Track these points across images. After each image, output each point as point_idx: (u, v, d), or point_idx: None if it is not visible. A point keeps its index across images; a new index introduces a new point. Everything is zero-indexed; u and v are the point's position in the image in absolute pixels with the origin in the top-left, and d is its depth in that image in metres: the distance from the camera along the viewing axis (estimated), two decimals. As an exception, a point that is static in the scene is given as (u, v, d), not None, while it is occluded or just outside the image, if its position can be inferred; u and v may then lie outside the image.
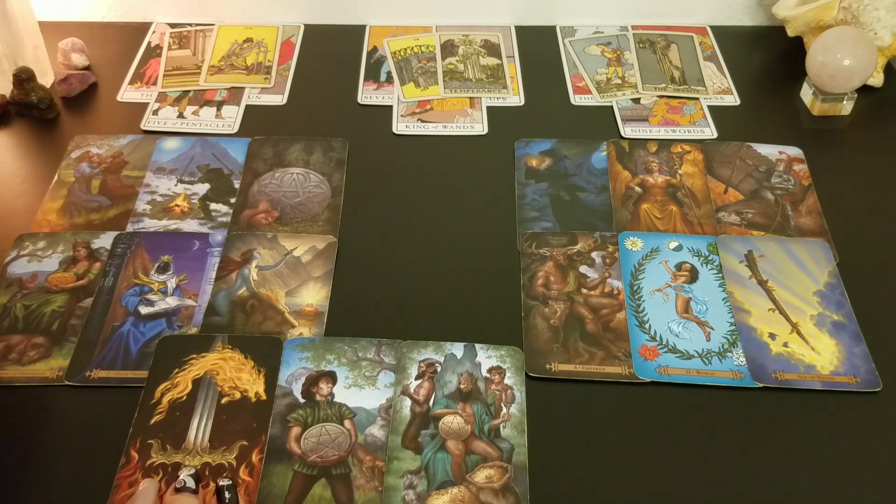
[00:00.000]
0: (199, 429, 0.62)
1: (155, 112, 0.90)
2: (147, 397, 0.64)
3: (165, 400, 0.64)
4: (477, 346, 0.67)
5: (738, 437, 0.63)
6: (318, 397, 0.64)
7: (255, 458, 0.61)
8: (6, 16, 0.86)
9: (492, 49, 0.98)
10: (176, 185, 0.82)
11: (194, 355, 0.67)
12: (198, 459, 0.60)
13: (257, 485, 0.59)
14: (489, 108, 0.91)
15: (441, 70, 0.95)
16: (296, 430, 0.62)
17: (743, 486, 0.60)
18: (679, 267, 0.74)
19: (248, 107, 0.91)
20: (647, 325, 0.69)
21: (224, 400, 0.64)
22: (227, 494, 0.57)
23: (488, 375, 0.66)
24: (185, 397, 0.64)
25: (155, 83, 0.94)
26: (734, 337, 0.69)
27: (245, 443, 0.61)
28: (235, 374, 0.66)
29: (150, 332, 0.69)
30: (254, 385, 0.65)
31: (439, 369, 0.66)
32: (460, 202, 0.81)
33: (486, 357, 0.67)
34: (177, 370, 0.66)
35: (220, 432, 0.62)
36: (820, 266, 0.74)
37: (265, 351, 0.67)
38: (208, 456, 0.61)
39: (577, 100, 0.92)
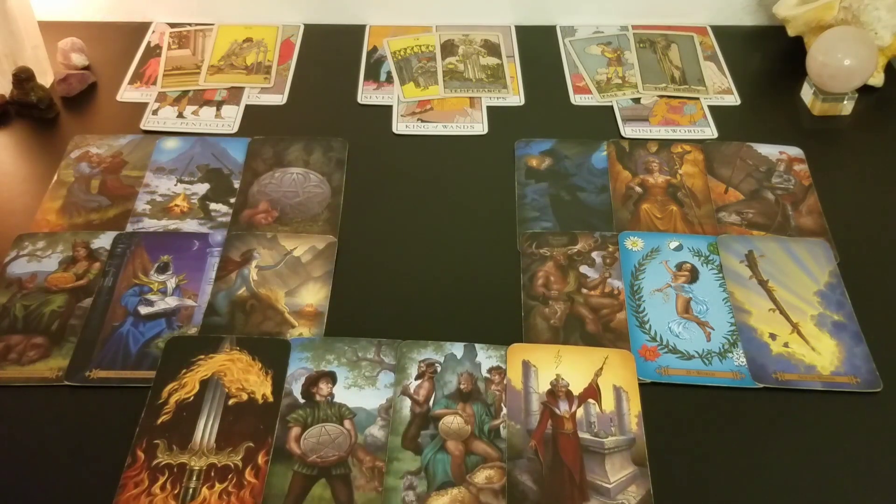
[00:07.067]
0: (205, 430, 0.62)
1: (154, 112, 0.90)
2: (154, 397, 0.64)
3: (172, 400, 0.64)
4: (477, 346, 0.67)
5: (738, 437, 0.63)
6: (317, 397, 0.64)
7: (260, 460, 0.60)
8: (6, 16, 0.86)
9: (492, 49, 0.98)
10: (175, 185, 0.82)
11: (202, 356, 0.67)
12: (203, 460, 0.60)
13: (262, 487, 0.59)
14: (489, 108, 0.91)
15: (441, 70, 0.95)
16: (295, 431, 0.62)
17: (743, 487, 0.60)
18: (679, 267, 0.74)
19: (247, 107, 0.91)
20: (647, 326, 0.69)
21: (231, 401, 0.64)
22: None
23: (488, 375, 0.66)
24: (192, 398, 0.64)
25: (154, 83, 0.94)
26: (734, 337, 0.69)
27: (251, 444, 0.61)
28: (243, 375, 0.65)
29: (150, 332, 0.69)
30: (261, 387, 0.65)
31: (439, 369, 0.66)
32: (460, 202, 0.81)
33: (486, 357, 0.67)
34: (184, 371, 0.66)
35: (227, 433, 0.62)
36: (820, 266, 0.74)
37: (273, 353, 0.67)
38: (214, 457, 0.61)
39: (577, 100, 0.92)
